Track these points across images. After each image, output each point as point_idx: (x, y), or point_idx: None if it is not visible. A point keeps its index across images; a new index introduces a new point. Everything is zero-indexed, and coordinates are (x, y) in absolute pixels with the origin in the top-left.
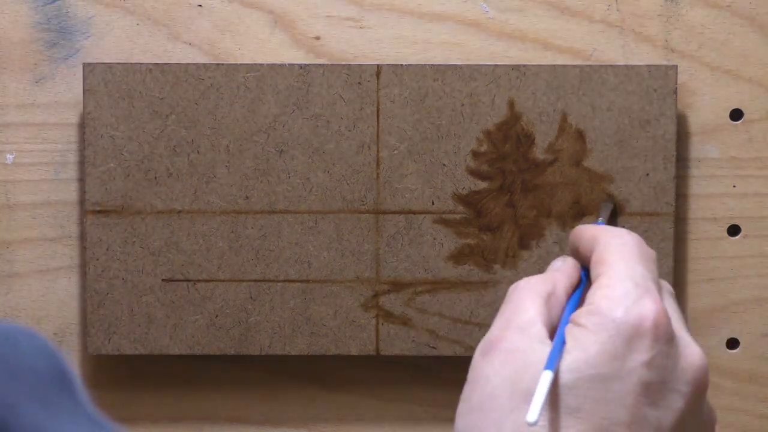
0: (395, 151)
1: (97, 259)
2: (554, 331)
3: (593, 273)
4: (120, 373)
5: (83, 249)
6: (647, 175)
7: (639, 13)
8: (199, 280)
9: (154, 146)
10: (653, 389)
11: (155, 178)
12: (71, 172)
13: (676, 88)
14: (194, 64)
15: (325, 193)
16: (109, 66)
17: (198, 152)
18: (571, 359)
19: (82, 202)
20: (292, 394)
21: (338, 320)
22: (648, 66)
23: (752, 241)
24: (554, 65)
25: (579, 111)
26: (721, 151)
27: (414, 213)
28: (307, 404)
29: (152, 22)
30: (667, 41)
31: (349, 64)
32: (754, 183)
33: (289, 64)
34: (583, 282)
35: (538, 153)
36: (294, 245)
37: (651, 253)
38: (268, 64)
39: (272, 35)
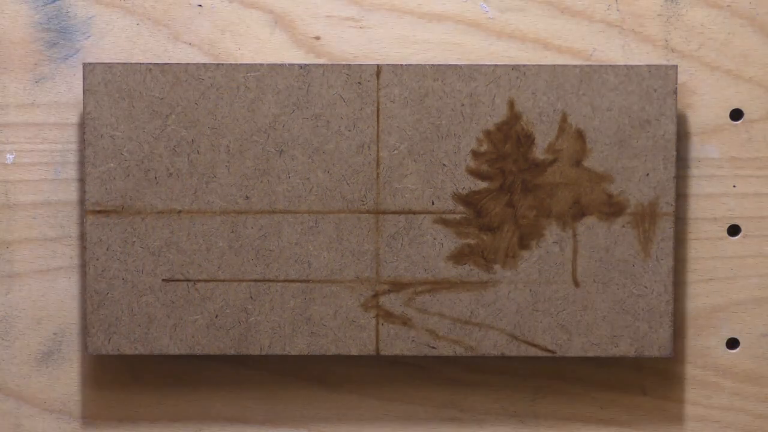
0: (395, 151)
1: (97, 259)
2: None
3: None
4: (120, 373)
5: (83, 249)
6: (647, 175)
7: (639, 13)
8: (199, 280)
9: (154, 146)
10: None
11: (155, 178)
12: (71, 172)
13: (676, 88)
14: (194, 64)
15: (325, 193)
16: (109, 66)
17: (198, 152)
18: None
19: (82, 202)
20: (292, 394)
21: (338, 320)
22: (648, 66)
23: (752, 241)
24: (554, 65)
25: (579, 111)
26: (721, 151)
27: (414, 213)
28: (307, 404)
29: (152, 22)
30: (667, 41)
31: (349, 64)
32: (754, 183)
33: (289, 64)
34: None
35: (538, 153)
36: (294, 245)
37: None
38: (268, 64)
39: (272, 35)
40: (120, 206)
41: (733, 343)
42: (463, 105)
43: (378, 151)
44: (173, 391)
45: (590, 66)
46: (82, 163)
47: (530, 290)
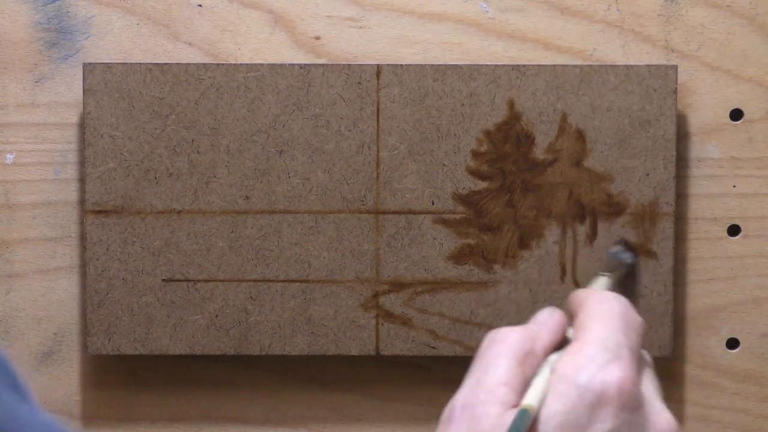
0: (395, 151)
1: (97, 259)
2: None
3: (573, 338)
4: (120, 373)
5: (83, 249)
6: (647, 175)
7: (639, 13)
8: (199, 280)
9: (154, 146)
10: None
11: (155, 178)
12: (71, 172)
13: (676, 88)
14: (194, 64)
15: (325, 193)
16: (109, 66)
17: (198, 152)
18: (539, 427)
19: (82, 202)
20: (292, 394)
21: (338, 320)
22: (648, 66)
23: (752, 241)
24: (554, 65)
25: (579, 111)
26: (721, 151)
27: (414, 213)
28: (307, 404)
29: (152, 22)
30: (667, 41)
31: (349, 64)
32: (754, 183)
33: (289, 64)
34: (570, 343)
35: (538, 153)
36: (294, 245)
37: (637, 321)
38: (268, 64)
39: (272, 35)
40: (120, 206)
41: (733, 343)
42: (463, 105)
43: (378, 151)
44: (173, 391)
45: (590, 66)
46: (82, 163)
47: (530, 290)
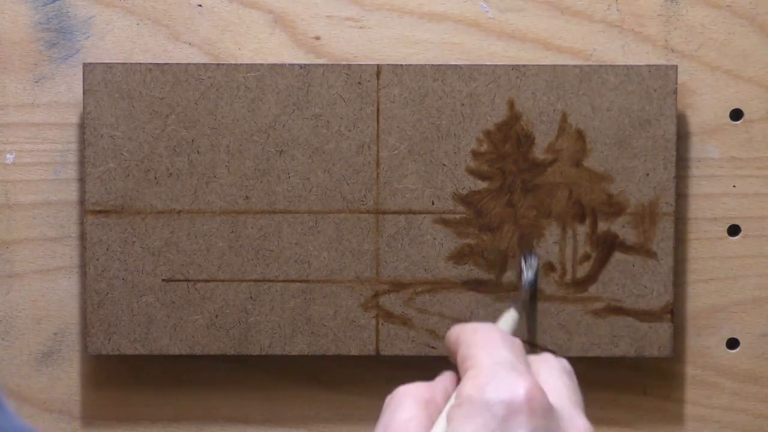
0: (395, 151)
1: (97, 259)
2: None
3: (461, 371)
4: (120, 373)
5: (83, 249)
6: (647, 175)
7: (639, 13)
8: (199, 280)
9: (154, 146)
10: None
11: (155, 178)
12: (71, 172)
13: (676, 88)
14: (194, 64)
15: (325, 193)
16: (109, 66)
17: (198, 152)
18: None
19: (82, 202)
20: (292, 394)
21: (338, 320)
22: (648, 66)
23: (752, 241)
24: (554, 65)
25: (579, 111)
26: (721, 151)
27: (414, 213)
28: (307, 404)
29: (152, 22)
30: (667, 41)
31: (349, 64)
32: (754, 183)
33: (289, 64)
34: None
35: (538, 153)
36: (294, 245)
37: (516, 340)
38: (268, 64)
39: (272, 35)
40: (120, 206)
41: (733, 343)
42: (463, 105)
43: (378, 151)
44: (173, 391)
45: (590, 66)
46: (82, 163)
47: (530, 290)
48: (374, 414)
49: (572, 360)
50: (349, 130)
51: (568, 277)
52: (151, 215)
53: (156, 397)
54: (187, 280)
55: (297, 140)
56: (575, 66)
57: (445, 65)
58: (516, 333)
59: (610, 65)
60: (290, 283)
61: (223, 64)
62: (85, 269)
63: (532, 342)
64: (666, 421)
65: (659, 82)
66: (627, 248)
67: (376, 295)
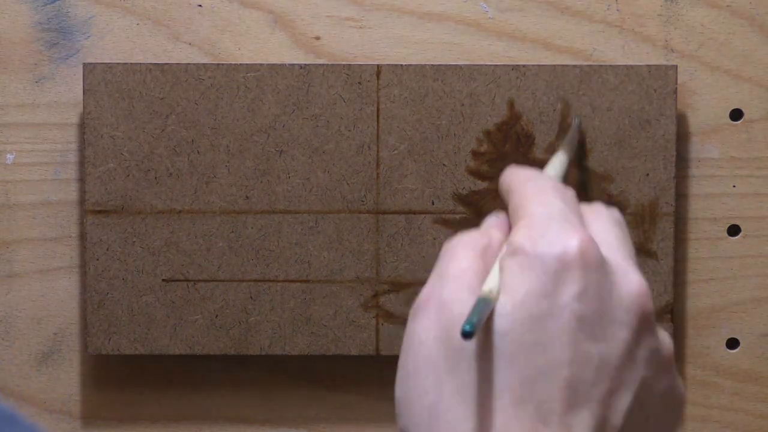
0: (395, 151)
1: (97, 259)
2: None
3: (513, 220)
4: (120, 373)
5: (83, 249)
6: (647, 175)
7: (639, 13)
8: (199, 280)
9: (154, 146)
10: (590, 322)
11: (155, 178)
12: (71, 172)
13: (676, 88)
14: (194, 64)
15: (325, 193)
16: (109, 66)
17: (198, 152)
18: (500, 305)
19: (82, 202)
20: (292, 394)
21: (338, 320)
22: (648, 66)
23: (752, 241)
24: (554, 65)
25: (579, 111)
26: (721, 151)
27: (414, 213)
28: (307, 404)
29: (152, 22)
30: (667, 41)
31: (349, 64)
32: (754, 183)
33: (289, 64)
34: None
35: (538, 153)
36: (294, 245)
37: (569, 190)
38: (268, 64)
39: (272, 35)
40: (120, 206)
41: (733, 343)
42: (463, 105)
43: (378, 151)
44: (173, 391)
45: (590, 66)
46: (82, 163)
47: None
48: (374, 414)
49: None
50: (349, 130)
51: None
52: (151, 215)
53: (156, 397)
54: (187, 280)
55: (297, 140)
56: (575, 66)
57: (445, 65)
58: (565, 177)
59: (610, 65)
60: (290, 283)
61: (223, 64)
62: (85, 269)
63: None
64: None
65: (659, 82)
66: None
67: (376, 295)
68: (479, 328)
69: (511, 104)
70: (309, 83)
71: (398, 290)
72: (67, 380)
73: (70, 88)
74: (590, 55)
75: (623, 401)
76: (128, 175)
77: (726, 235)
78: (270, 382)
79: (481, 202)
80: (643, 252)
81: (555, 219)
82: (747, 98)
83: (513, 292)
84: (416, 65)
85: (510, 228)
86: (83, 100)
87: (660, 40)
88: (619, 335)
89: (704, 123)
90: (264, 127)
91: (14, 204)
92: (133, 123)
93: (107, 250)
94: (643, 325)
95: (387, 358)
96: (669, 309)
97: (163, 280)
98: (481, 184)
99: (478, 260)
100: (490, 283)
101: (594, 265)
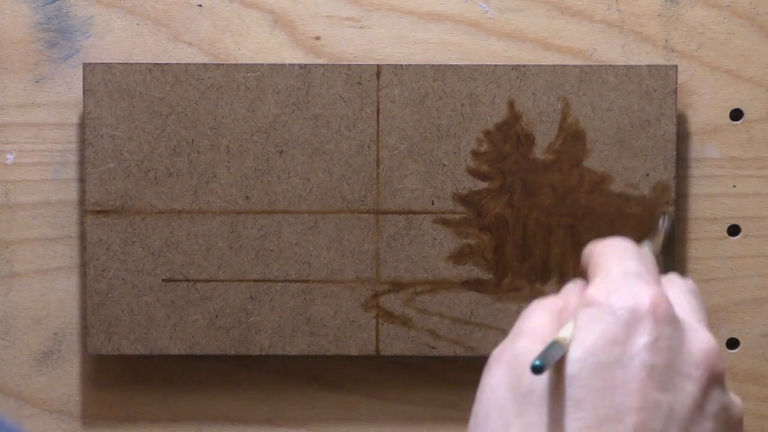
0: (395, 151)
1: (97, 259)
2: None
3: (590, 278)
4: (120, 373)
5: (83, 249)
6: (647, 175)
7: (639, 13)
8: (199, 280)
9: (154, 146)
10: (659, 373)
11: (155, 178)
12: (71, 172)
13: (676, 88)
14: (194, 64)
15: (325, 193)
16: (109, 66)
17: (198, 152)
18: (572, 351)
19: (82, 202)
20: (292, 394)
21: (338, 320)
22: (648, 66)
23: (752, 241)
24: (554, 65)
25: (579, 111)
26: (721, 151)
27: (414, 213)
28: (307, 404)
29: (152, 22)
30: (667, 41)
31: (349, 64)
32: (754, 183)
33: (289, 64)
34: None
35: (538, 153)
36: (294, 245)
37: (648, 254)
38: (268, 64)
39: (272, 35)
40: (120, 206)
41: (733, 343)
42: (463, 105)
43: (378, 151)
44: (173, 391)
45: (590, 66)
46: (82, 163)
47: (530, 290)
48: (374, 414)
49: None
50: (349, 130)
51: (569, 278)
52: (151, 215)
53: (156, 397)
54: (187, 280)
55: (297, 140)
56: (575, 66)
57: (445, 65)
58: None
59: (610, 65)
60: (290, 283)
61: (223, 64)
62: (85, 269)
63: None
64: None
65: (659, 82)
66: None
67: (376, 295)
68: (549, 365)
69: (511, 104)
70: (309, 83)
71: (398, 290)
72: (67, 380)
73: (70, 88)
74: (590, 55)
75: None
76: (128, 175)
77: (726, 235)
78: (270, 382)
79: (481, 202)
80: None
81: (630, 275)
82: (747, 98)
83: (584, 339)
84: (416, 65)
85: None
86: (83, 100)
87: (660, 40)
88: (688, 388)
89: (704, 123)
90: (264, 127)
91: (14, 204)
92: (133, 123)
93: (107, 250)
94: (713, 382)
95: (387, 358)
96: None
97: (163, 280)
98: (481, 184)
99: (553, 319)
100: (564, 332)
101: (666, 319)
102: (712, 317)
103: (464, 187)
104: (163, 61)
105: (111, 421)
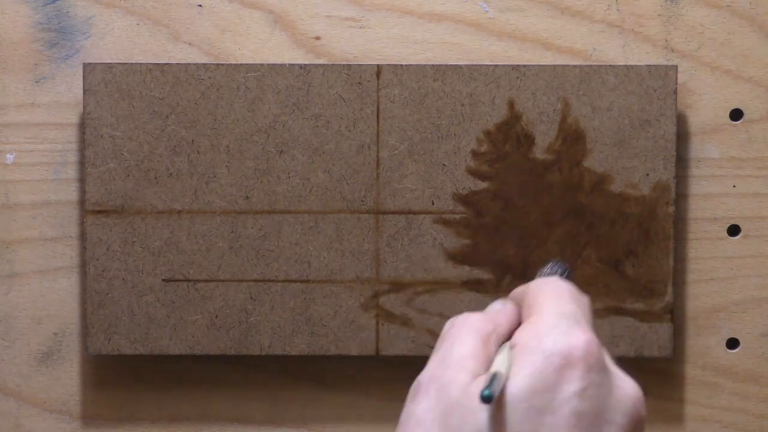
0: (395, 151)
1: (97, 259)
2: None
3: (525, 316)
4: (120, 373)
5: (83, 249)
6: (647, 175)
7: (639, 13)
8: (199, 280)
9: (154, 146)
10: (587, 420)
11: (155, 178)
12: (71, 172)
13: (676, 88)
14: (194, 64)
15: (325, 193)
16: (109, 66)
17: (198, 152)
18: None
19: (82, 202)
20: (292, 394)
21: (338, 320)
22: (648, 66)
23: (752, 241)
24: (554, 65)
25: (579, 111)
26: (721, 151)
27: (414, 213)
28: (307, 404)
29: (152, 22)
30: (667, 41)
31: (349, 64)
32: (754, 183)
33: (289, 64)
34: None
35: (538, 153)
36: (294, 245)
37: (584, 298)
38: (268, 64)
39: (272, 35)
40: (120, 206)
41: (733, 343)
42: (463, 105)
43: (378, 151)
44: (173, 391)
45: (590, 66)
46: (82, 163)
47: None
48: (374, 414)
49: None
50: (349, 130)
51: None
52: (151, 215)
53: (156, 397)
54: (187, 280)
55: (297, 140)
56: (575, 66)
57: (445, 65)
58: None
59: (610, 65)
60: (290, 283)
61: (223, 64)
62: (85, 269)
63: None
64: (666, 421)
65: (659, 82)
66: (627, 248)
67: (376, 295)
68: (495, 396)
69: (511, 104)
70: (309, 83)
71: (398, 290)
72: (67, 380)
73: (70, 88)
74: (590, 55)
75: None
76: (128, 175)
77: (726, 235)
78: (270, 382)
79: (481, 202)
80: (643, 252)
81: (565, 318)
82: (747, 98)
83: (516, 384)
84: (416, 65)
85: (516, 318)
86: (83, 100)
87: (660, 40)
88: None
89: (704, 123)
90: (264, 127)
91: (14, 204)
92: (133, 123)
93: (107, 250)
94: (637, 428)
95: (387, 358)
96: (669, 309)
97: (163, 280)
98: (481, 184)
99: (481, 347)
100: (498, 366)
101: (597, 366)
102: (712, 317)
103: (464, 187)
104: (163, 61)
105: (111, 421)
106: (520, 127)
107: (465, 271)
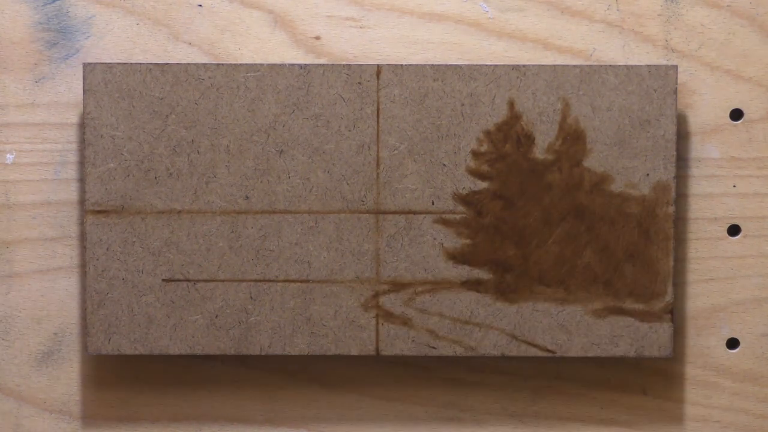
0: (395, 151)
1: (97, 259)
2: None
3: None
4: (120, 373)
5: (83, 249)
6: (647, 175)
7: (639, 13)
8: (199, 280)
9: (154, 146)
10: None
11: (155, 178)
12: (71, 172)
13: (676, 88)
14: (194, 64)
15: (325, 193)
16: (109, 66)
17: (198, 152)
18: None
19: (82, 202)
20: (292, 394)
21: (338, 320)
22: (648, 66)
23: (752, 241)
24: (554, 65)
25: (579, 111)
26: (721, 151)
27: (414, 213)
28: (307, 404)
29: (152, 22)
30: (667, 41)
31: (349, 64)
32: (754, 183)
33: (289, 64)
34: None
35: (538, 153)
36: (294, 245)
37: None
38: (268, 64)
39: (272, 35)
40: (120, 206)
41: (733, 343)
42: (463, 105)
43: (378, 151)
44: (173, 391)
45: (590, 66)
46: (82, 163)
47: (530, 290)
48: (374, 414)
49: (572, 360)
50: (349, 130)
51: (569, 278)
52: (151, 215)
53: (156, 397)
54: (187, 280)
55: (297, 140)
56: (575, 66)
57: (445, 65)
58: None
59: (610, 65)
60: (290, 283)
61: (223, 64)
62: (85, 269)
63: (533, 343)
64: (666, 421)
65: (659, 82)
66: (627, 248)
67: (376, 295)
68: None
69: (511, 104)
70: (309, 83)
71: (398, 290)
72: (67, 380)
73: (70, 88)
74: (590, 55)
75: None
76: (128, 175)
77: (726, 235)
78: (270, 382)
79: (481, 202)
80: (643, 252)
81: None
82: (747, 98)
83: None
84: (416, 65)
85: None
86: (83, 100)
87: (660, 40)
88: None
89: (704, 123)
90: (264, 127)
91: (14, 204)
92: (133, 123)
93: (107, 250)
94: None
95: (387, 358)
96: (669, 309)
97: (163, 280)
98: (481, 184)
99: None
100: None
101: None
102: (712, 317)
103: (464, 187)
104: (163, 61)
105: (111, 421)
106: (520, 127)
107: (465, 271)
